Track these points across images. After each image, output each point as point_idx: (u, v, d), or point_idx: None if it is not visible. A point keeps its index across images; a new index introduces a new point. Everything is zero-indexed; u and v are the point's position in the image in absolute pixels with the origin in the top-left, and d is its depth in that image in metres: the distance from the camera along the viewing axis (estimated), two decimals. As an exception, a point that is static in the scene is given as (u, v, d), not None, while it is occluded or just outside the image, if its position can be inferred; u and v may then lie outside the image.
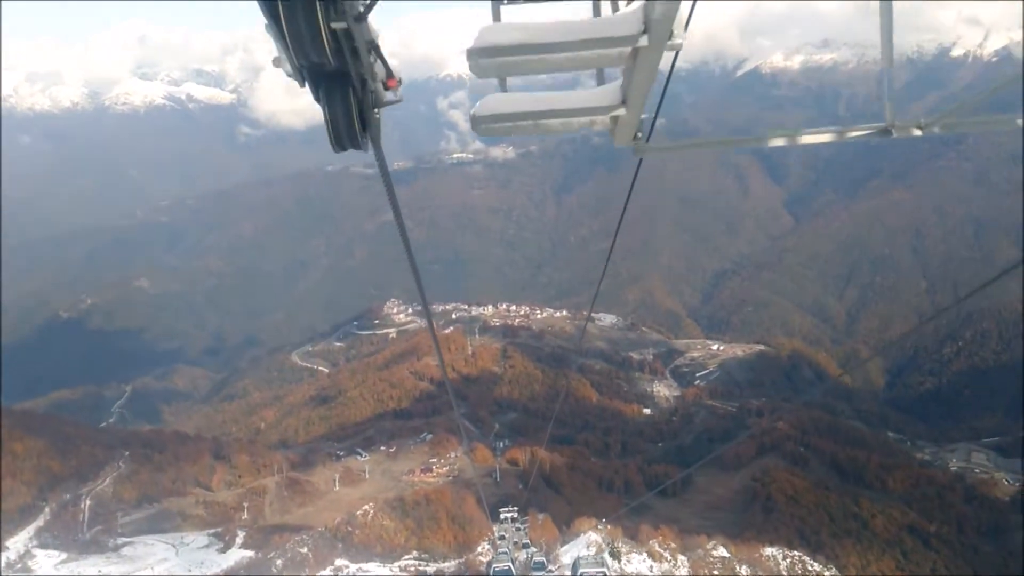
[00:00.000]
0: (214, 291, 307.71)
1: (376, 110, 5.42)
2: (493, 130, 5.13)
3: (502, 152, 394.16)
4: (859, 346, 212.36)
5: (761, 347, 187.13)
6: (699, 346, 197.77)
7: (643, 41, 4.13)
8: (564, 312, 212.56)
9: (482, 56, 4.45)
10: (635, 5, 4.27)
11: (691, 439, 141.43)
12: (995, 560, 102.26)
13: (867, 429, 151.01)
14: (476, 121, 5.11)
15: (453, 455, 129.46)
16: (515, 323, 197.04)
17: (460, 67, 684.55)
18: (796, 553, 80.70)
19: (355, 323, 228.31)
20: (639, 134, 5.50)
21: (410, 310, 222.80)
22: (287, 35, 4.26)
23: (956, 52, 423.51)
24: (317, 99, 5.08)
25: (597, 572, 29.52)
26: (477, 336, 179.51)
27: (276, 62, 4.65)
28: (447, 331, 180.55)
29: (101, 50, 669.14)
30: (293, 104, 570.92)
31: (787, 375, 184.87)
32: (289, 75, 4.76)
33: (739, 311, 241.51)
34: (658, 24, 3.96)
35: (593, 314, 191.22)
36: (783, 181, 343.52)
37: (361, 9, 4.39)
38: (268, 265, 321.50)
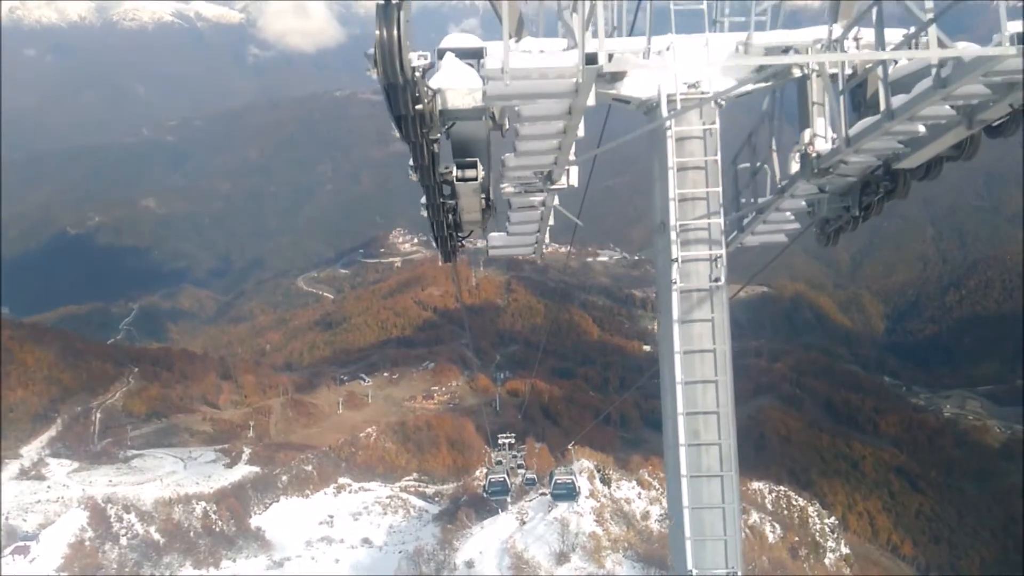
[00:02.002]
0: (221, 213, 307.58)
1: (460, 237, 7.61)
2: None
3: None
4: (862, 291, 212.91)
5: (764, 289, 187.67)
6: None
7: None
8: (569, 247, 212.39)
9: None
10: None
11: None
12: (980, 504, 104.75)
13: (864, 373, 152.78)
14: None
15: (454, 384, 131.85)
16: (519, 257, 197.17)
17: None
18: (782, 488, 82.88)
19: (360, 251, 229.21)
20: None
21: (415, 239, 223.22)
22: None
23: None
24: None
25: (567, 478, 33.04)
26: (481, 268, 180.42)
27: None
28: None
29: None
30: (303, 26, 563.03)
31: (788, 317, 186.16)
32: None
33: (744, 253, 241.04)
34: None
35: (598, 250, 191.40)
36: (792, 124, 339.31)
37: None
38: (275, 188, 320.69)
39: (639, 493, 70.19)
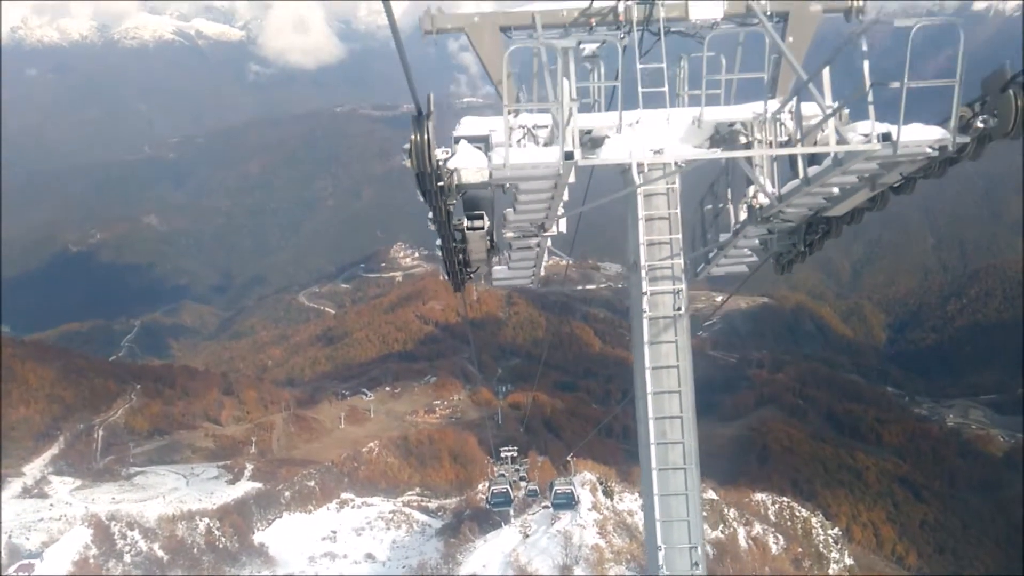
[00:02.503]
0: (222, 229, 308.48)
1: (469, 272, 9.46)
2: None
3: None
4: (863, 301, 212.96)
5: (765, 299, 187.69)
6: (703, 297, 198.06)
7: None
8: (570, 260, 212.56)
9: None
10: None
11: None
12: (985, 513, 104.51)
13: (866, 383, 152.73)
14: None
15: (456, 397, 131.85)
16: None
17: (472, 7, 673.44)
18: (785, 499, 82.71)
19: (362, 265, 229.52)
20: None
21: (416, 254, 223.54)
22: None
23: (978, 6, 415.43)
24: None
25: (566, 488, 35.22)
26: (483, 281, 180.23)
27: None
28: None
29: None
30: (303, 43, 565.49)
31: (790, 328, 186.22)
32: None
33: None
34: None
35: (599, 263, 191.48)
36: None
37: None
38: (276, 204, 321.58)
39: (641, 505, 70.14)
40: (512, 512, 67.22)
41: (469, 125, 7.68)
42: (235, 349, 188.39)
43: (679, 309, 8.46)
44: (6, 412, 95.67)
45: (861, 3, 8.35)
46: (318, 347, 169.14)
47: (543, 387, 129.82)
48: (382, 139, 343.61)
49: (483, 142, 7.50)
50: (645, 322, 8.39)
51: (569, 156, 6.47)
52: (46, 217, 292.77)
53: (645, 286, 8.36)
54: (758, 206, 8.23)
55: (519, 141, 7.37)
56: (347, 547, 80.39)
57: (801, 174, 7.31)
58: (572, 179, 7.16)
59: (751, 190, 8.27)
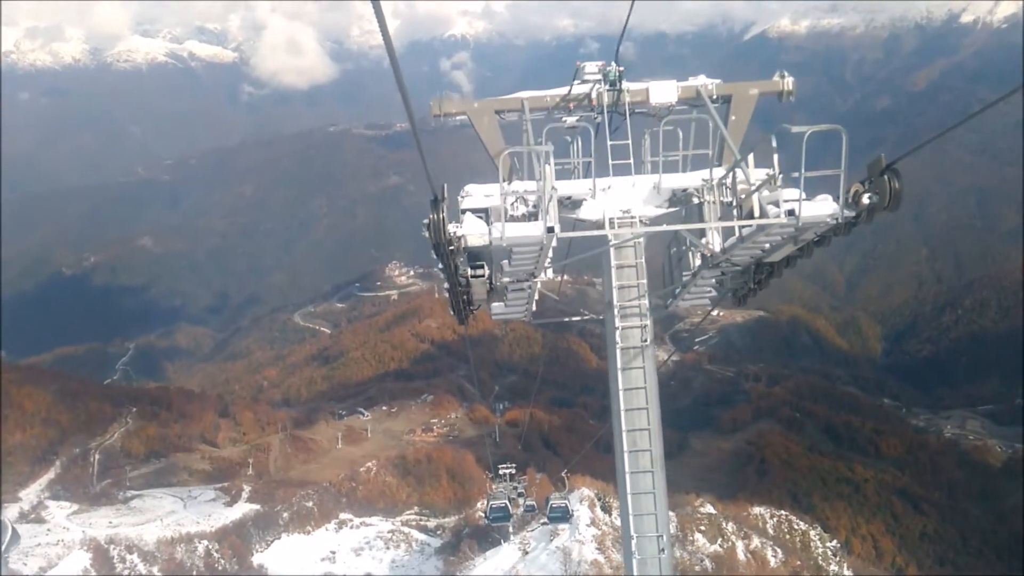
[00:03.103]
0: (216, 250, 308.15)
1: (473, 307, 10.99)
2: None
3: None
4: (858, 313, 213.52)
5: (760, 313, 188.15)
6: (699, 311, 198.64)
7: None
8: (566, 276, 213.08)
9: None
10: None
11: (689, 403, 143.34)
12: (984, 524, 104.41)
13: (863, 395, 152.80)
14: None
15: (453, 415, 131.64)
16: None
17: (464, 27, 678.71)
18: (783, 512, 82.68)
19: (357, 284, 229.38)
20: None
21: (411, 272, 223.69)
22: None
23: (966, 18, 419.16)
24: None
25: (561, 503, 36.82)
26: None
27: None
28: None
29: (102, 6, 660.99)
30: (296, 63, 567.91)
31: (786, 341, 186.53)
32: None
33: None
34: None
35: (594, 279, 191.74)
36: (786, 148, 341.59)
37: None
38: (270, 225, 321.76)
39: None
40: (511, 529, 67.14)
41: (473, 196, 9.22)
42: (231, 370, 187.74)
43: (645, 341, 10.01)
44: (3, 437, 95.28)
45: (790, 87, 10.15)
46: (314, 367, 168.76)
47: (540, 403, 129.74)
48: (376, 158, 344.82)
49: (484, 213, 9.05)
50: (618, 351, 9.99)
51: (551, 230, 8.21)
52: (40, 240, 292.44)
53: (617, 322, 10.01)
54: (709, 253, 9.86)
55: (513, 204, 8.68)
56: (346, 567, 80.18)
57: (736, 232, 8.96)
58: (555, 243, 8.60)
59: (702, 241, 9.95)
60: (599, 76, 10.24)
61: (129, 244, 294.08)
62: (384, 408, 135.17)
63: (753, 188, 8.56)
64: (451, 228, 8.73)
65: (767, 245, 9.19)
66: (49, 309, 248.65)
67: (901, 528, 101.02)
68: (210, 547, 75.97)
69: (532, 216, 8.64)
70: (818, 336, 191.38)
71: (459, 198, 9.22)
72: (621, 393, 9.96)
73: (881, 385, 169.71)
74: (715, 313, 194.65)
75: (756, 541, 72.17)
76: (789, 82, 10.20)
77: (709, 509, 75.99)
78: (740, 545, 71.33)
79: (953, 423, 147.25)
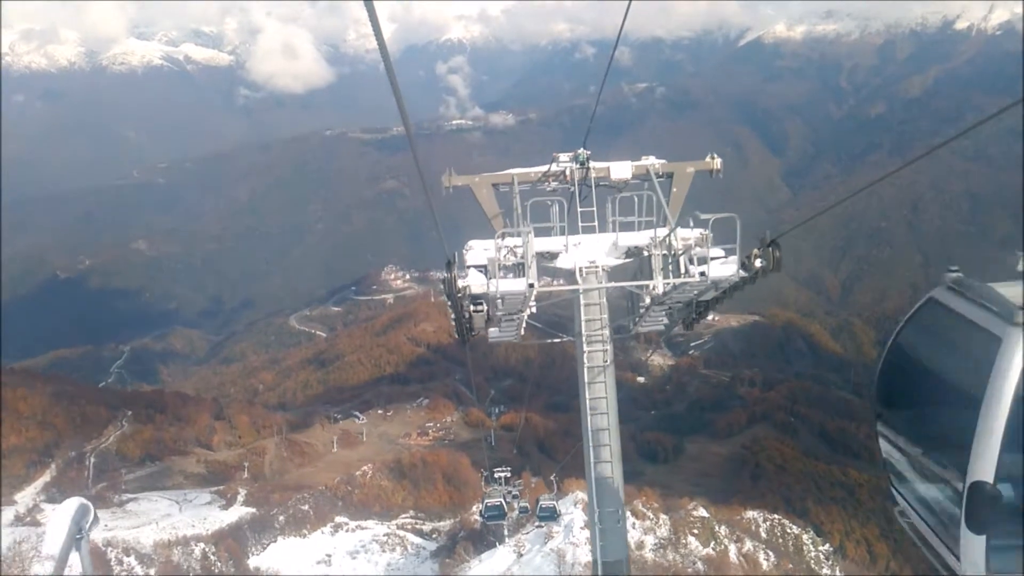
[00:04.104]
0: (211, 254, 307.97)
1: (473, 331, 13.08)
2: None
3: (502, 119, 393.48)
4: (853, 318, 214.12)
5: (755, 318, 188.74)
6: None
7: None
8: (561, 280, 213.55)
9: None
10: None
11: (684, 407, 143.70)
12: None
13: (857, 400, 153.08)
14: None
15: (448, 419, 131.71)
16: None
17: (460, 31, 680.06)
18: (776, 516, 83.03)
19: (352, 288, 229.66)
20: None
21: (407, 276, 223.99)
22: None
23: (960, 25, 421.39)
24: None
25: (550, 503, 38.85)
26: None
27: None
28: (444, 297, 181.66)
29: (98, 8, 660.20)
30: (292, 67, 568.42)
31: (781, 346, 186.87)
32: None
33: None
34: None
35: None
36: (782, 154, 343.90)
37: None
38: (266, 229, 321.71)
39: (633, 523, 70.28)
40: (506, 532, 67.38)
41: (474, 250, 11.75)
42: (226, 374, 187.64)
43: (606, 361, 12.44)
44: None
45: (718, 166, 13.21)
46: (309, 371, 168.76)
47: (535, 407, 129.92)
48: (372, 162, 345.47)
49: (483, 268, 11.42)
50: (584, 370, 12.38)
51: (531, 286, 10.85)
52: (34, 243, 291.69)
53: (584, 347, 12.34)
54: (655, 293, 11.90)
55: (505, 255, 11.22)
56: (342, 570, 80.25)
57: (671, 282, 11.56)
58: (538, 280, 11.09)
59: (650, 284, 11.88)
60: (571, 160, 12.98)
61: (124, 247, 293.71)
62: (380, 412, 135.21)
63: (681, 251, 11.37)
64: (460, 282, 11.24)
65: (694, 292, 11.90)
66: (44, 312, 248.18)
67: (895, 532, 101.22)
68: (206, 550, 76.07)
69: (520, 267, 11.18)
70: (813, 341, 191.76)
71: (464, 251, 11.81)
72: (587, 402, 12.48)
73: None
74: (711, 318, 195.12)
75: (749, 544, 72.57)
76: (718, 162, 13.25)
77: (702, 512, 76.38)
78: (733, 548, 71.72)
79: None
